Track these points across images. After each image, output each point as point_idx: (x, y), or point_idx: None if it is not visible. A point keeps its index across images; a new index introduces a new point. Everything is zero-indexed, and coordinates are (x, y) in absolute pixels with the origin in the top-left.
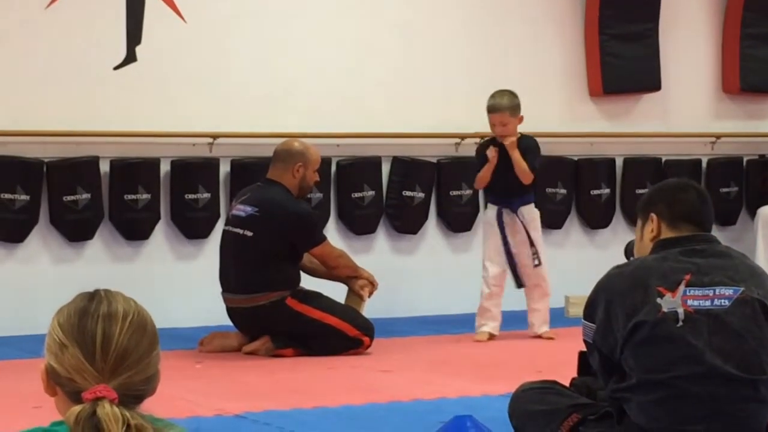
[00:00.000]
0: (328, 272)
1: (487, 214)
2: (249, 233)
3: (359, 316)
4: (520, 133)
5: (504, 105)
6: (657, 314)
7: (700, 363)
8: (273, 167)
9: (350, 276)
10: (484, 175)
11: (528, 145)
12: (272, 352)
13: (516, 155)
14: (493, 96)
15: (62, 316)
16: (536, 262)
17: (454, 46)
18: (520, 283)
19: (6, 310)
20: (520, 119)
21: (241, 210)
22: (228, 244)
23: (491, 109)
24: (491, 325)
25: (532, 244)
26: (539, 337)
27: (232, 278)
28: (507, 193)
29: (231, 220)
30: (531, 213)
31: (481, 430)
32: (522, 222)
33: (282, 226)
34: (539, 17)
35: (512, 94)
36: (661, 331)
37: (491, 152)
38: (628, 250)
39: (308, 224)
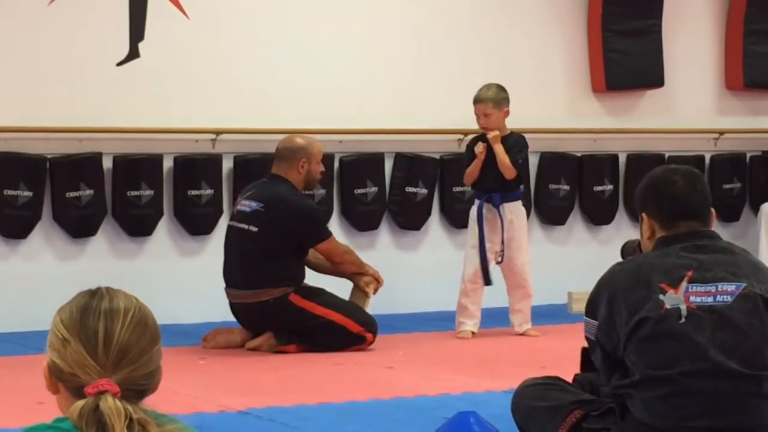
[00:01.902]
0: (334, 268)
1: (471, 209)
2: (254, 229)
3: (362, 313)
4: (510, 130)
5: (487, 96)
6: (660, 311)
7: (703, 359)
8: (277, 164)
9: (355, 272)
10: (472, 170)
11: (515, 141)
12: (275, 348)
13: (499, 149)
14: (480, 88)
15: (64, 313)
16: (498, 259)
17: (456, 42)
18: (488, 281)
19: (9, 307)
20: (506, 113)
21: (246, 205)
22: (233, 240)
23: (475, 100)
24: (470, 323)
25: (502, 242)
26: (523, 335)
27: (236, 274)
28: (489, 187)
29: (236, 216)
30: (514, 211)
31: (484, 426)
32: (501, 219)
33: (287, 222)
34: (543, 13)
35: (499, 87)
36: (664, 328)
37: (479, 148)
38: (625, 252)
39: (314, 220)
